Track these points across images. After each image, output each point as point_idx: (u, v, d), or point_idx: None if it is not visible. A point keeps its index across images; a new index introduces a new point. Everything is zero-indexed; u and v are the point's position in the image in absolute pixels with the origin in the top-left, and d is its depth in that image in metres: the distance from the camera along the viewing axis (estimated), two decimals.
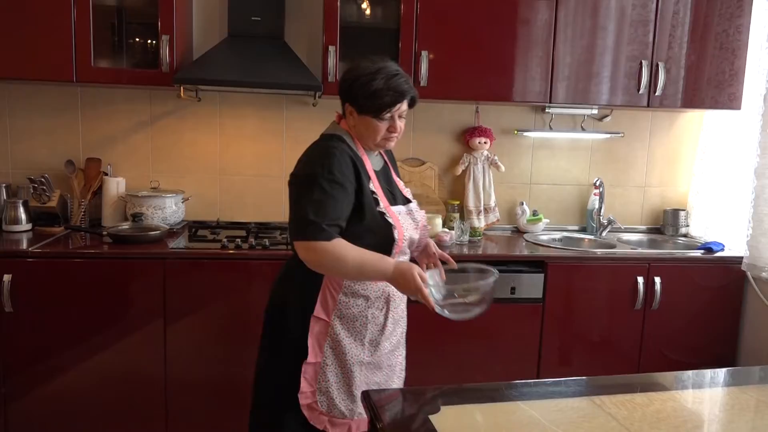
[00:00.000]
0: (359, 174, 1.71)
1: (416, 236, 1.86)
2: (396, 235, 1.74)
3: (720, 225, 3.07)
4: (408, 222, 1.82)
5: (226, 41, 2.74)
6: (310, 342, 1.74)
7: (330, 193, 1.62)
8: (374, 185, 1.76)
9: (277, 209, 3.06)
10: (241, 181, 3.03)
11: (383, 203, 1.76)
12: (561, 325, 2.71)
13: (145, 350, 2.46)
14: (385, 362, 1.84)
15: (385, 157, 1.93)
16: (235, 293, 2.49)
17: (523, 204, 3.18)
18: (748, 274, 2.78)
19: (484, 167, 3.10)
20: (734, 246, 2.94)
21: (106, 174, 2.87)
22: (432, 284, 1.66)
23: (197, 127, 2.98)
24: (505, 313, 2.65)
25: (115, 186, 2.83)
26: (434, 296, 1.64)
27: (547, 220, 3.19)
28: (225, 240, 2.56)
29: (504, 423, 1.27)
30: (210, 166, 3.01)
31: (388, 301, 1.81)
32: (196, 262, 2.46)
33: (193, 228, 2.77)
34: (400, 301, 1.86)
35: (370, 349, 1.79)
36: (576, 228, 3.28)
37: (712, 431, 1.32)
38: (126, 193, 2.82)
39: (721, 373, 1.67)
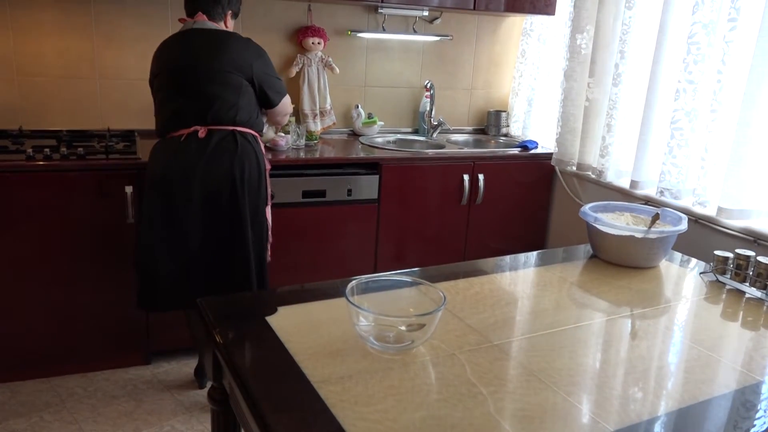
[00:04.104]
0: None
1: None
2: None
3: (535, 124, 3.35)
4: None
5: None
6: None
7: None
8: None
9: (94, 115, 2.76)
10: (46, 84, 2.67)
11: None
12: (395, 222, 2.84)
13: None
14: None
15: None
16: (48, 210, 2.26)
17: (358, 107, 3.20)
18: (556, 168, 3.10)
19: (318, 69, 3.03)
20: (546, 143, 3.24)
21: None
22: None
23: None
24: (342, 215, 2.72)
25: None
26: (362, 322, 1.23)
27: (382, 123, 3.25)
28: (30, 150, 2.28)
29: (338, 316, 1.33)
30: (3, 65, 2.60)
31: None
32: None
33: None
34: None
35: None
36: (409, 130, 3.39)
37: (522, 306, 1.50)
38: None
39: (532, 256, 1.88)
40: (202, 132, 2.09)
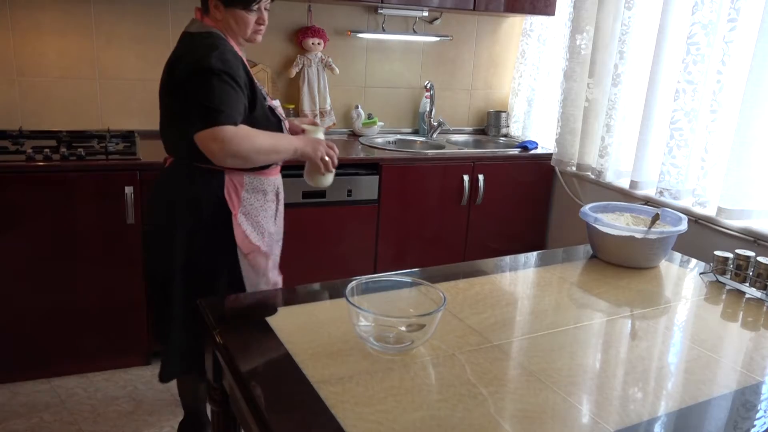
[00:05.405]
0: (246, 69, 1.71)
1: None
2: (285, 127, 1.84)
3: (535, 125, 3.35)
4: (282, 114, 1.90)
5: None
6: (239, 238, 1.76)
7: (228, 85, 1.61)
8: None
9: (93, 115, 2.76)
10: (46, 84, 2.67)
11: (268, 98, 1.80)
12: (395, 223, 2.84)
13: None
14: (271, 251, 1.90)
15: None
16: (47, 211, 2.26)
17: (358, 107, 3.20)
18: (556, 168, 3.10)
19: (318, 69, 3.03)
20: (546, 144, 3.24)
21: None
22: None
23: None
24: (342, 215, 2.72)
25: None
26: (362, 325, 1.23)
27: (382, 123, 3.25)
28: (31, 151, 2.28)
29: (338, 317, 1.33)
30: (3, 66, 2.60)
31: (278, 193, 1.88)
32: None
33: None
34: (283, 192, 1.95)
35: (267, 241, 1.84)
36: (409, 130, 3.39)
37: (522, 306, 1.50)
38: None
39: (532, 256, 1.88)
40: (168, 161, 1.82)
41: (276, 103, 1.89)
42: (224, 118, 1.57)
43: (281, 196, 1.92)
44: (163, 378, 1.87)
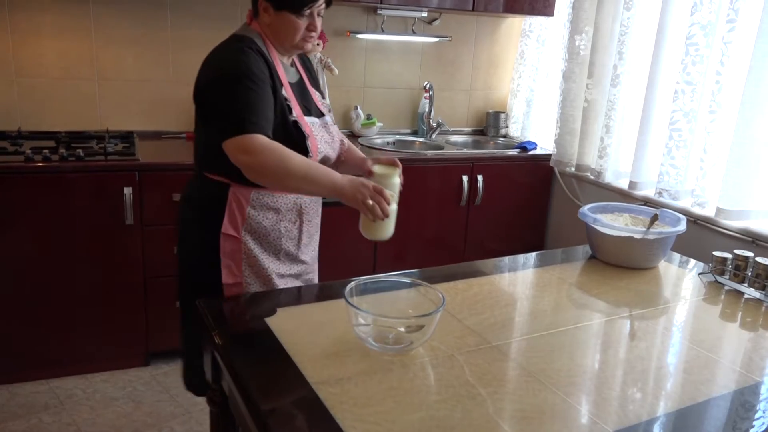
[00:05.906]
0: (273, 76, 1.57)
1: (332, 154, 1.72)
2: (309, 146, 1.60)
3: (534, 125, 3.35)
4: (323, 135, 1.68)
5: None
6: (224, 262, 1.60)
7: (255, 92, 1.48)
8: (287, 93, 1.61)
9: (92, 116, 2.76)
10: (45, 85, 2.67)
11: (296, 111, 1.60)
12: (395, 224, 2.83)
13: None
14: (303, 276, 1.77)
15: (301, 69, 1.76)
16: (47, 211, 2.25)
17: (357, 108, 3.20)
18: (555, 169, 3.10)
19: (317, 70, 3.03)
20: (545, 144, 3.24)
21: None
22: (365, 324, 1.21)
23: None
24: (341, 216, 2.70)
25: None
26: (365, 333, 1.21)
27: (381, 124, 3.25)
28: (29, 151, 2.27)
29: (337, 318, 1.33)
30: (2, 67, 2.59)
31: (300, 214, 1.69)
32: None
33: None
34: (314, 215, 1.76)
35: (288, 263, 1.69)
36: (408, 131, 3.39)
37: (521, 307, 1.50)
38: None
39: (531, 257, 1.88)
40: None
41: (314, 120, 1.67)
42: (249, 125, 1.44)
43: (308, 216, 1.72)
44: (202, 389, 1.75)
